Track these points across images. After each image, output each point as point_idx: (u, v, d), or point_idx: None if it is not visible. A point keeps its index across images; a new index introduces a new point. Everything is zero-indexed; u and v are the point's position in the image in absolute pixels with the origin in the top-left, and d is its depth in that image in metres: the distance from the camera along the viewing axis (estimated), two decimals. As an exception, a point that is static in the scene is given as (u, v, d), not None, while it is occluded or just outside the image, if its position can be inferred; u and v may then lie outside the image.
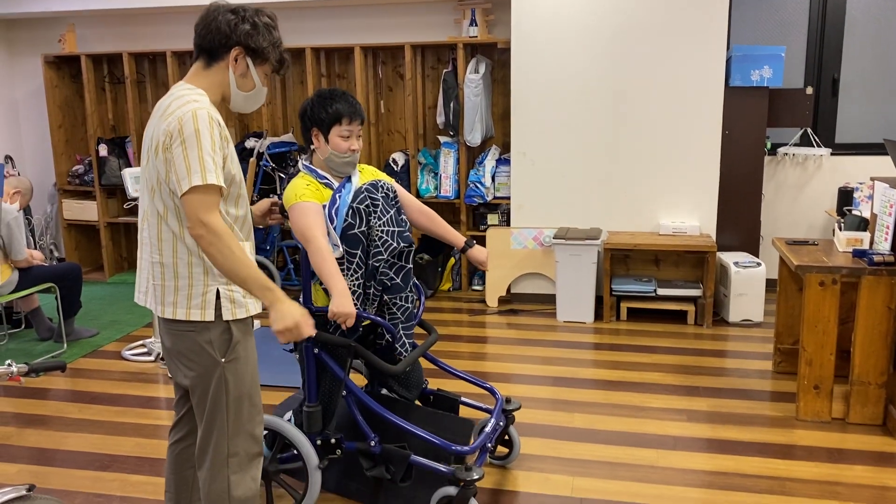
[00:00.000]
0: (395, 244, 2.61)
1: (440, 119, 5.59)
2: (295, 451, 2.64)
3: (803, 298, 3.36)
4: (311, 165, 2.69)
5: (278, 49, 2.11)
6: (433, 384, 3.89)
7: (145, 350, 4.51)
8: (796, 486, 2.88)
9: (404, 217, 2.71)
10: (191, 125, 1.90)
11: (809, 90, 5.08)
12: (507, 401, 2.97)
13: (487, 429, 2.71)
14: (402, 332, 2.70)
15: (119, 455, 3.25)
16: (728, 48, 5.07)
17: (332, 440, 2.60)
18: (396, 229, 2.63)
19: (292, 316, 1.97)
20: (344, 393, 2.59)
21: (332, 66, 6.00)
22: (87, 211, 6.27)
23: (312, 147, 2.66)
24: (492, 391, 2.93)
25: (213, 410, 2.06)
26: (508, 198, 5.45)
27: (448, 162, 5.61)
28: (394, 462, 2.56)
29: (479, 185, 5.50)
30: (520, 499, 2.83)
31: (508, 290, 5.43)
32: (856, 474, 2.96)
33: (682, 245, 4.79)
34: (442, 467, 2.51)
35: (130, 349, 4.54)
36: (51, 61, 6.10)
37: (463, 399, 2.95)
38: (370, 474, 2.58)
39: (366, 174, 2.77)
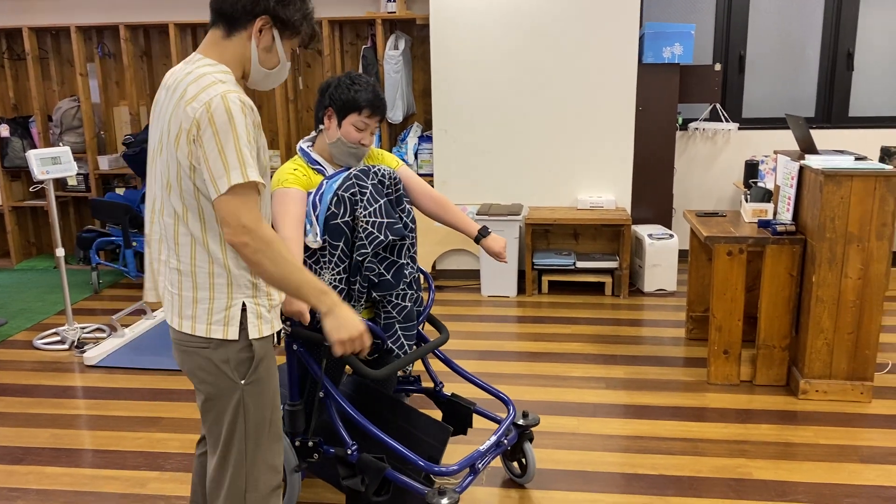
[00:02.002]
0: (381, 237, 2.38)
1: (360, 96, 5.53)
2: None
3: (713, 268, 3.52)
4: (307, 149, 2.51)
5: (310, 22, 1.81)
6: (447, 387, 3.65)
7: (58, 338, 4.35)
8: (708, 446, 3.04)
9: (406, 206, 2.51)
10: (223, 113, 1.62)
11: (718, 67, 5.27)
12: (525, 415, 2.71)
13: (483, 446, 2.44)
14: (399, 332, 2.51)
15: (33, 447, 3.14)
16: (641, 25, 5.20)
17: (310, 443, 2.41)
18: (385, 220, 2.40)
19: (355, 324, 1.77)
20: (321, 394, 2.38)
21: (248, 41, 5.85)
22: (-11, 194, 5.96)
23: (322, 127, 2.48)
24: (506, 402, 2.69)
25: (228, 438, 1.82)
26: (431, 175, 5.47)
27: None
28: (369, 474, 2.35)
29: (401, 163, 5.49)
30: (446, 471, 2.89)
31: (434, 266, 5.47)
32: (762, 433, 3.14)
33: (599, 219, 4.92)
34: (418, 486, 2.31)
35: (42, 338, 4.37)
36: (-58, 36, 5.74)
37: (477, 408, 2.74)
38: (345, 484, 2.36)
39: (368, 159, 2.61)
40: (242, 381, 1.79)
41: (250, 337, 1.78)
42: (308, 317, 2.26)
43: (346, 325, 1.76)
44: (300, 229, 2.36)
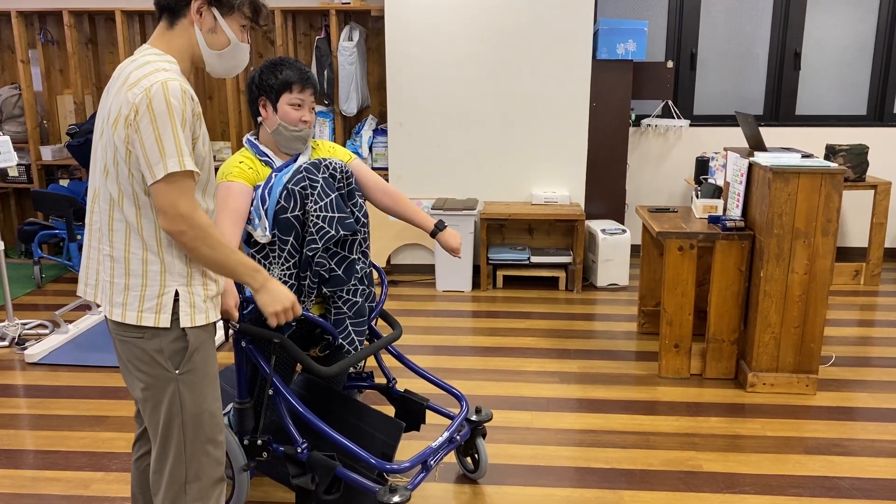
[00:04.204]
0: (332, 232, 2.35)
1: (314, 88, 5.46)
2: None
3: (664, 263, 3.56)
4: (254, 140, 2.46)
5: None
6: (400, 383, 3.61)
7: (-2, 335, 4.21)
8: (659, 439, 3.07)
9: (358, 201, 2.46)
10: (161, 99, 1.63)
11: (670, 64, 5.34)
12: (478, 410, 2.70)
13: (435, 443, 2.43)
14: (350, 328, 2.48)
15: (-29, 449, 3.02)
16: (595, 21, 5.23)
17: (259, 442, 2.37)
18: (336, 215, 2.36)
19: (286, 296, 1.90)
20: (270, 392, 2.34)
21: (198, 30, 5.72)
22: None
23: (260, 119, 2.43)
24: (459, 398, 2.69)
25: (167, 429, 1.81)
26: (386, 168, 5.43)
27: (324, 132, 5.51)
28: (319, 472, 2.32)
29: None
30: (400, 468, 2.86)
31: (388, 261, 5.43)
32: (711, 426, 3.19)
33: (553, 214, 4.95)
34: (369, 483, 2.27)
35: (-20, 334, 4.22)
36: None
37: (430, 404, 2.72)
38: (295, 482, 2.32)
39: (319, 152, 2.55)
40: (177, 372, 1.78)
41: (182, 325, 1.76)
42: (236, 314, 2.21)
43: (278, 298, 1.90)
44: (239, 224, 2.31)
